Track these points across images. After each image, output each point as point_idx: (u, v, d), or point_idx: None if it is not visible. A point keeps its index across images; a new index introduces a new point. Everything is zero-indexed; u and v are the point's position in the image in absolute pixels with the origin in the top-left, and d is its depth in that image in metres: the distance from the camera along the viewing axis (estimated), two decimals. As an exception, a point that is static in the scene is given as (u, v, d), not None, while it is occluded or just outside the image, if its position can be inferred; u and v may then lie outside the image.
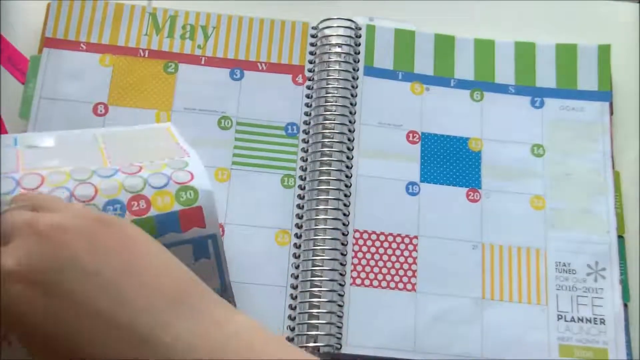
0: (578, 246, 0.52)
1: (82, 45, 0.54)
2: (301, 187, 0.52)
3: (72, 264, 0.31)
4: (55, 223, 0.32)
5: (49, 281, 0.30)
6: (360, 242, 0.51)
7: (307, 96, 0.55)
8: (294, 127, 0.54)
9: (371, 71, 0.55)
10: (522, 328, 0.50)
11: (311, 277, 0.49)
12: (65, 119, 0.52)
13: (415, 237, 0.51)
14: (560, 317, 0.50)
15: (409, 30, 0.57)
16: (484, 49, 0.57)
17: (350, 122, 0.54)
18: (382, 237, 0.51)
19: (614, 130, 0.55)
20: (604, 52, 0.57)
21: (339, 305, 0.49)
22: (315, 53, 0.56)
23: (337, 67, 0.55)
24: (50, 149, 0.43)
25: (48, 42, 0.54)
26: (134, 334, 0.30)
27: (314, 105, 0.54)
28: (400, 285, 0.50)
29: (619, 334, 0.50)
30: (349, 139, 0.53)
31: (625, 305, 0.51)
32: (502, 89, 0.56)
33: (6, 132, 0.52)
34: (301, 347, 0.48)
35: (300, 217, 0.51)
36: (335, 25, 0.56)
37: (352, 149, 0.53)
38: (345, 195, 0.52)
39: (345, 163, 0.52)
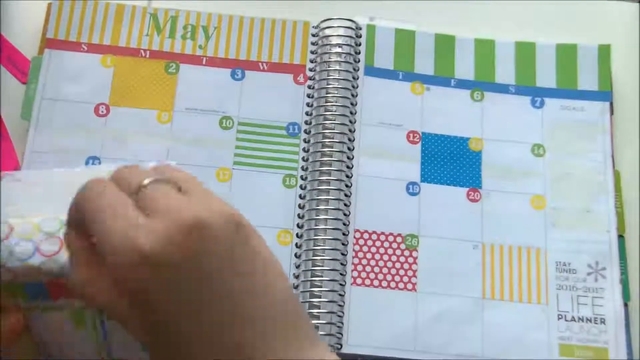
0: (578, 246, 0.52)
1: (83, 46, 0.54)
2: (302, 187, 0.52)
3: (208, 275, 0.29)
4: (200, 219, 0.29)
5: (174, 278, 0.28)
6: (361, 242, 0.51)
7: (309, 96, 0.55)
8: (296, 127, 0.54)
9: (372, 71, 0.56)
10: (523, 328, 0.50)
11: (312, 276, 0.50)
12: (66, 120, 0.52)
13: (416, 237, 0.52)
14: (560, 316, 0.50)
15: (410, 30, 0.57)
16: (484, 49, 0.57)
17: (350, 121, 0.54)
18: (382, 237, 0.51)
19: (614, 130, 0.55)
20: (604, 52, 0.57)
21: (340, 305, 0.49)
22: (317, 52, 0.56)
23: (337, 67, 0.55)
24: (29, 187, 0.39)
25: (49, 43, 0.54)
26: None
27: (315, 105, 0.54)
28: (401, 285, 0.50)
29: (619, 333, 0.50)
30: (349, 139, 0.53)
31: (626, 305, 0.51)
32: (503, 88, 0.56)
33: (7, 133, 0.52)
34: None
35: (301, 217, 0.51)
36: (335, 25, 0.56)
37: (353, 149, 0.53)
38: (346, 195, 0.52)
39: (345, 163, 0.52)
